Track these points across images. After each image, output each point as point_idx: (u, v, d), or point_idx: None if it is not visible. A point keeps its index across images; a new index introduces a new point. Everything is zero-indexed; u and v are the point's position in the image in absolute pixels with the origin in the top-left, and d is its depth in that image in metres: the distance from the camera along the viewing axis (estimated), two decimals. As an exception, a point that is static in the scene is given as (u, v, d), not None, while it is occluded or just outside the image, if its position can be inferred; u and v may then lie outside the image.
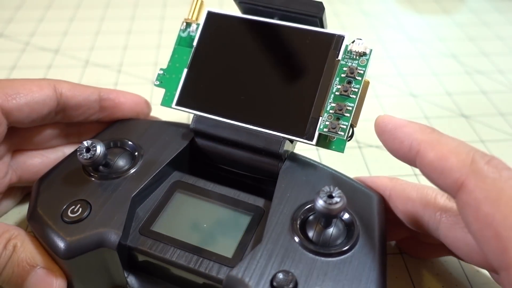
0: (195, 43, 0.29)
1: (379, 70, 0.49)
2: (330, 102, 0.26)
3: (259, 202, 0.26)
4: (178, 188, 0.27)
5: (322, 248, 0.23)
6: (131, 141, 0.28)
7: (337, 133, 0.26)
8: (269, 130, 0.27)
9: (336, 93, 0.26)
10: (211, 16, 0.30)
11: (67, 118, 0.30)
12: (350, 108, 0.26)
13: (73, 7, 0.59)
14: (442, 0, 0.62)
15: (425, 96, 0.45)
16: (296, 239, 0.23)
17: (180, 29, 0.30)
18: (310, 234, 0.23)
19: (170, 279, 0.25)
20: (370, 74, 0.49)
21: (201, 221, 0.25)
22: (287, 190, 0.25)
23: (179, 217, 0.25)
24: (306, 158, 0.28)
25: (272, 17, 0.29)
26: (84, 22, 0.57)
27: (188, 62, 0.29)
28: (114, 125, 0.30)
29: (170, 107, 0.29)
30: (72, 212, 0.24)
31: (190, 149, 0.29)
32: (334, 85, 0.26)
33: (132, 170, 0.26)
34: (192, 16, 0.30)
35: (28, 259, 0.24)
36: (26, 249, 0.24)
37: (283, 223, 0.24)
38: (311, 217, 0.24)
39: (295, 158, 0.27)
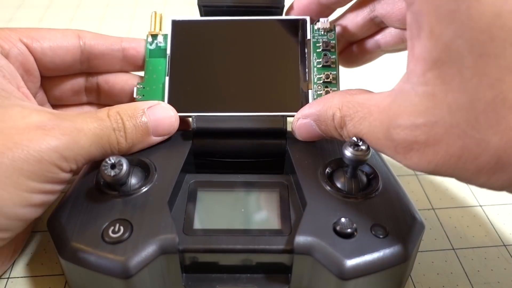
0: (168, 52, 0.31)
1: (379, 70, 0.49)
2: (316, 75, 0.30)
3: (277, 178, 0.29)
4: (198, 188, 0.28)
5: (356, 193, 0.27)
6: (139, 157, 0.29)
7: None
8: (267, 112, 0.29)
9: (318, 66, 0.30)
10: (176, 24, 0.32)
11: (91, 68, 0.31)
12: (335, 76, 0.30)
13: (73, 6, 0.59)
14: None
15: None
16: (333, 192, 0.27)
17: (147, 42, 0.32)
18: (341, 186, 0.27)
19: (221, 270, 0.26)
20: (371, 74, 0.49)
21: (235, 209, 0.27)
22: (303, 159, 0.29)
23: (213, 212, 0.27)
24: None
25: (233, 15, 0.32)
26: (84, 22, 0.57)
27: (167, 70, 0.31)
28: None
29: None
30: (114, 232, 0.24)
31: (194, 150, 0.30)
32: (314, 60, 0.30)
33: (151, 183, 0.27)
34: (155, 29, 0.32)
35: (131, 110, 0.27)
36: (125, 108, 0.27)
37: (316, 184, 0.27)
38: (336, 173, 0.28)
39: (292, 134, 0.31)
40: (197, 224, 0.26)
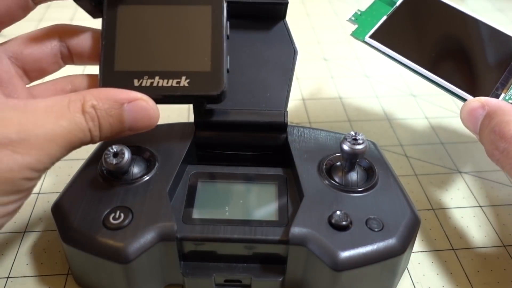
0: (398, 4, 0.34)
1: (380, 70, 0.49)
2: None
3: (277, 171, 0.30)
4: (199, 178, 0.29)
5: (354, 187, 0.27)
6: (141, 146, 0.30)
7: None
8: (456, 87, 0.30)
9: None
10: None
11: None
12: None
13: (73, 6, 0.59)
14: (442, -1, 0.62)
15: (426, 96, 0.45)
16: (330, 185, 0.28)
17: None
18: (338, 180, 0.28)
19: (218, 259, 0.27)
20: (371, 74, 0.49)
21: (234, 200, 0.28)
22: (303, 152, 0.30)
23: (213, 202, 0.28)
24: (301, 126, 0.32)
25: (238, 11, 0.31)
26: (84, 22, 0.56)
27: (390, 12, 0.33)
28: None
29: (362, 39, 0.33)
30: (114, 219, 0.26)
31: (196, 142, 0.31)
32: None
33: (152, 172, 0.28)
34: None
35: (108, 104, 0.24)
36: (102, 100, 0.24)
37: (314, 178, 0.28)
38: (334, 167, 0.29)
39: (293, 127, 0.31)
40: (196, 214, 0.27)
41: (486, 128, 0.27)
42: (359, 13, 0.34)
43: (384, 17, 0.34)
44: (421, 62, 0.32)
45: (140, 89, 0.26)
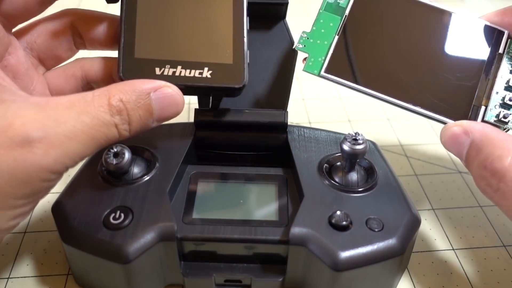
0: (347, 12, 0.29)
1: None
2: (497, 92, 0.27)
3: (277, 171, 0.30)
4: (199, 178, 0.29)
5: (354, 187, 0.27)
6: (142, 147, 0.30)
7: None
8: (431, 112, 0.27)
9: (505, 84, 0.27)
10: None
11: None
12: None
13: (73, 6, 0.59)
14: (442, -1, 0.62)
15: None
16: (330, 185, 0.28)
17: None
18: (338, 180, 0.28)
19: (218, 259, 0.27)
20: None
21: (234, 200, 0.28)
22: (302, 152, 0.30)
23: (213, 202, 0.28)
24: (301, 126, 0.32)
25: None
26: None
27: (338, 29, 0.29)
28: None
29: (317, 74, 0.28)
30: (115, 219, 0.26)
31: (195, 142, 0.31)
32: (500, 77, 0.28)
33: (152, 173, 0.28)
34: None
35: (135, 95, 0.24)
36: (129, 92, 0.24)
37: (314, 177, 0.28)
38: (334, 167, 0.29)
39: (292, 127, 0.31)
40: (196, 214, 0.27)
41: (474, 160, 0.25)
42: (305, 36, 0.29)
43: (336, 37, 0.28)
44: (389, 89, 0.28)
45: (161, 78, 0.26)
